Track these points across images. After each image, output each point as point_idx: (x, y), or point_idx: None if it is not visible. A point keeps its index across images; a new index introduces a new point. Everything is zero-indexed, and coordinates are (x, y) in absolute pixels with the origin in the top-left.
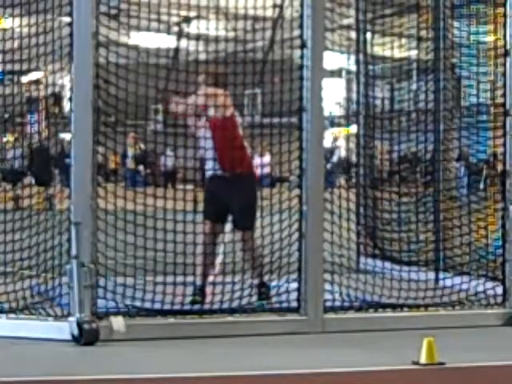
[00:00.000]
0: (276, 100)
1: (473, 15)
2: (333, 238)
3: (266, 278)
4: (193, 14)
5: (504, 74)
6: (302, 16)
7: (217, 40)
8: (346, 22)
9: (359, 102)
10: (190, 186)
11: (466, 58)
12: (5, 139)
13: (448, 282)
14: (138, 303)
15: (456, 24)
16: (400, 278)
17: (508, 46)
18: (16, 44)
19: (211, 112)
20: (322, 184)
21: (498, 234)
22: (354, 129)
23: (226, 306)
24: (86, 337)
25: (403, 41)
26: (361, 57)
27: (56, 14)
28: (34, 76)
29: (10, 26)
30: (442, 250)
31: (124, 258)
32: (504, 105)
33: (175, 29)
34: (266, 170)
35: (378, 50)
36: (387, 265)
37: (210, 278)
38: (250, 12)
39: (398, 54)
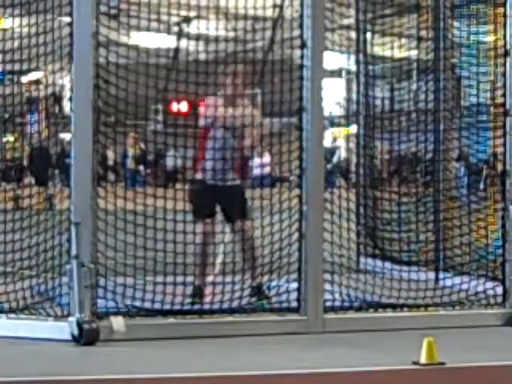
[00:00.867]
0: (276, 100)
1: (473, 15)
2: (333, 238)
3: (265, 278)
4: (193, 13)
5: (504, 74)
6: (302, 16)
7: (217, 40)
8: (346, 21)
9: (359, 102)
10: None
11: (466, 58)
12: (5, 139)
13: (448, 282)
14: (137, 303)
15: (456, 24)
16: (400, 277)
17: (508, 46)
18: (16, 44)
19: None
20: (321, 184)
21: (498, 233)
22: (354, 129)
23: (226, 305)
24: (86, 337)
25: (403, 41)
26: (361, 57)
27: (56, 13)
28: (34, 76)
29: (10, 25)
30: (442, 249)
31: (124, 258)
32: (504, 105)
33: (175, 29)
34: (266, 170)
35: (378, 50)
36: (387, 265)
37: (210, 278)
38: (250, 12)
39: (398, 53)
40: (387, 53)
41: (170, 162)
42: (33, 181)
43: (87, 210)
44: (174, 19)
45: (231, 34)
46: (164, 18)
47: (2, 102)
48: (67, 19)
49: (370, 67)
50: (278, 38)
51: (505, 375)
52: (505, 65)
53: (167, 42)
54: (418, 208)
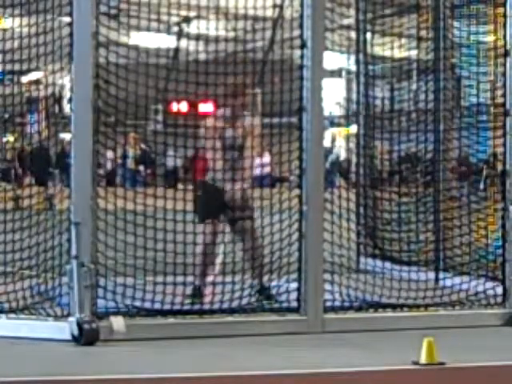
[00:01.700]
0: (276, 100)
1: (473, 15)
2: (333, 238)
3: (265, 278)
4: (193, 13)
5: (504, 74)
6: (302, 16)
7: (217, 40)
8: (346, 21)
9: (359, 102)
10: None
11: (466, 57)
12: (5, 139)
13: (448, 282)
14: (137, 303)
15: (456, 24)
16: (400, 277)
17: (508, 46)
18: (16, 44)
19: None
20: (321, 184)
21: (498, 233)
22: (354, 129)
23: (226, 305)
24: (86, 337)
25: (403, 41)
26: (361, 57)
27: (56, 13)
28: (34, 76)
29: (10, 25)
30: (442, 249)
31: (124, 258)
32: (504, 105)
33: (175, 29)
34: (266, 170)
35: (378, 50)
36: (387, 265)
37: (210, 278)
38: (250, 12)
39: (398, 53)
40: (387, 53)
41: (170, 163)
42: (33, 181)
43: (87, 210)
44: (174, 19)
45: (231, 34)
46: (164, 17)
47: (2, 101)
48: (67, 19)
49: (370, 67)
50: (278, 38)
51: (505, 375)
52: (505, 65)
53: (167, 42)
54: (418, 208)
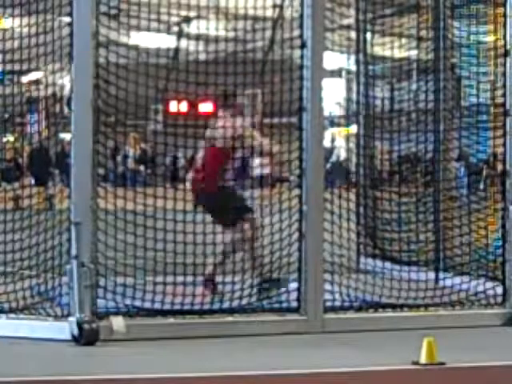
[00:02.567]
0: (276, 100)
1: (473, 15)
2: (333, 238)
3: (266, 275)
4: (193, 13)
5: (504, 74)
6: (301, 16)
7: (217, 40)
8: (346, 22)
9: (359, 102)
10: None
11: (466, 57)
12: (5, 139)
13: (448, 282)
14: (137, 303)
15: (456, 24)
16: (400, 277)
17: (508, 46)
18: (16, 44)
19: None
20: (321, 184)
21: (498, 234)
22: (354, 129)
23: (226, 305)
24: (85, 337)
25: (403, 41)
26: (361, 57)
27: (56, 13)
28: (33, 76)
29: (10, 25)
30: (442, 250)
31: (124, 258)
32: (504, 105)
33: (175, 29)
34: (266, 170)
35: (378, 50)
36: (387, 265)
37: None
38: (250, 12)
39: (398, 53)
40: (387, 53)
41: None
42: (33, 181)
43: (87, 210)
44: (174, 19)
45: (231, 34)
46: (164, 17)
47: (2, 101)
48: (67, 19)
49: (370, 67)
50: (278, 38)
51: (505, 375)
52: (505, 65)
53: (167, 41)
54: (418, 208)
